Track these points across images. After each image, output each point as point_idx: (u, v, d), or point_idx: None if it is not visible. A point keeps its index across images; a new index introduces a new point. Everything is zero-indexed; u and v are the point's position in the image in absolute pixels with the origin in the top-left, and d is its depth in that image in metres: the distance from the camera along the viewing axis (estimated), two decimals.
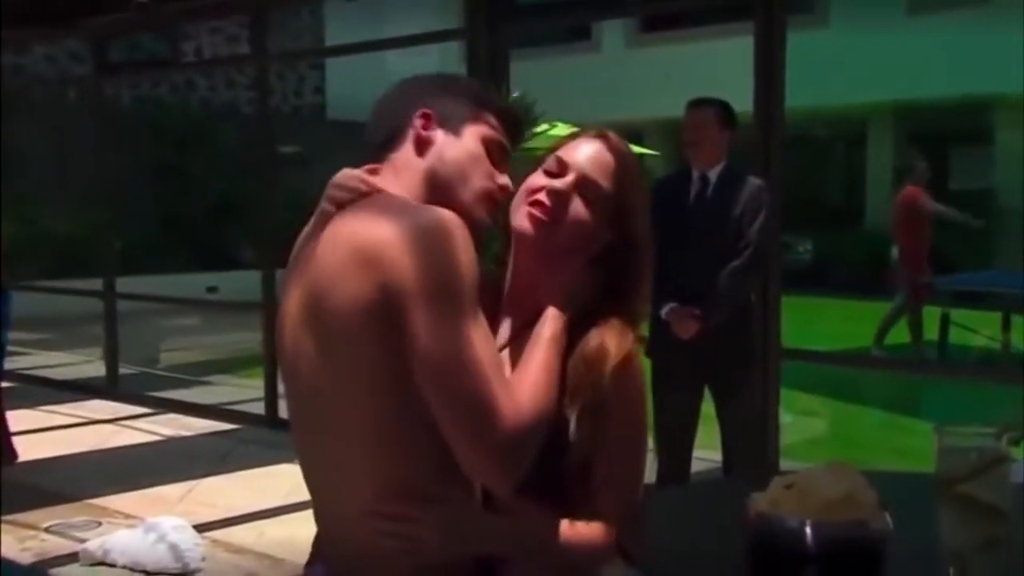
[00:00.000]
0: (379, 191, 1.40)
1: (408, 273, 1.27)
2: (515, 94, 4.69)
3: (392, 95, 1.53)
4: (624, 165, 1.49)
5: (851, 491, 1.16)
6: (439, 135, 1.46)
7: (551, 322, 1.42)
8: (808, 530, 1.14)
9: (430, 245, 1.28)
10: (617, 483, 1.42)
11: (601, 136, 1.51)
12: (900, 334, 9.18)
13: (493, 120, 1.50)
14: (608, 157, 1.48)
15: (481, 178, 1.46)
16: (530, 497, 1.37)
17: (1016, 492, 1.26)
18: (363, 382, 1.31)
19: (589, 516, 1.41)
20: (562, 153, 1.50)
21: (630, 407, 1.43)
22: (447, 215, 1.31)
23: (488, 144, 1.48)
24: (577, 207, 1.45)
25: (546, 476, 1.37)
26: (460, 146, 1.46)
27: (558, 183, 1.46)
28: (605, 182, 1.47)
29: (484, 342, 1.30)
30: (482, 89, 1.55)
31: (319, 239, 1.39)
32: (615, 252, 1.48)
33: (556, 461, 1.39)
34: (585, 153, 1.49)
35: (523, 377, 1.35)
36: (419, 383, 1.29)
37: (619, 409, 1.41)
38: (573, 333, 1.44)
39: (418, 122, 1.46)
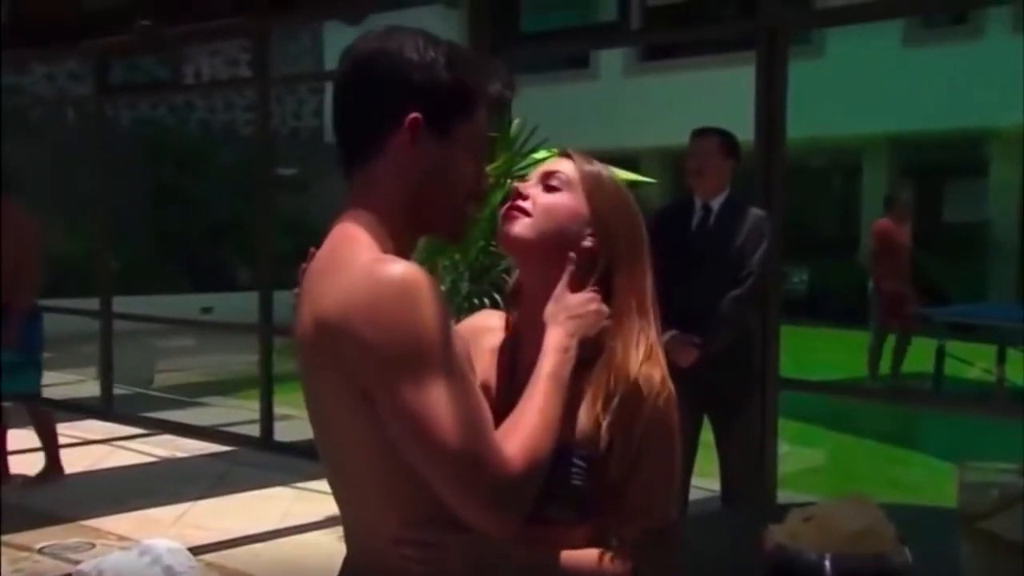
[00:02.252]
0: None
1: (369, 347, 1.24)
2: (515, 121, 4.72)
3: (377, 76, 1.37)
4: (587, 164, 1.50)
5: (870, 525, 1.15)
6: (426, 143, 1.36)
7: (552, 355, 1.39)
8: (827, 563, 1.13)
9: (386, 313, 1.24)
10: (646, 512, 1.40)
11: (561, 152, 1.54)
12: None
13: (481, 110, 1.40)
14: (566, 158, 1.51)
15: (465, 187, 1.41)
16: (556, 525, 1.36)
17: None
18: (361, 431, 1.30)
19: (616, 544, 1.39)
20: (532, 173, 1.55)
21: (664, 434, 1.41)
22: (402, 273, 1.26)
23: (476, 142, 1.41)
24: (545, 195, 1.48)
25: (575, 505, 1.37)
26: (447, 156, 1.38)
27: (520, 186, 1.51)
28: (569, 169, 1.49)
29: (458, 396, 1.25)
30: (475, 69, 1.41)
31: (305, 278, 1.38)
32: (613, 267, 1.47)
33: (585, 490, 1.38)
34: (545, 163, 1.53)
35: (517, 422, 1.31)
36: (399, 447, 1.27)
37: (653, 436, 1.40)
38: (590, 356, 1.42)
39: (407, 133, 1.35)
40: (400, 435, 1.26)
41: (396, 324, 1.24)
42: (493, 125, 1.49)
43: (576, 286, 1.45)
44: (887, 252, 9.38)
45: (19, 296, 5.59)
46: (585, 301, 1.44)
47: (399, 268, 1.27)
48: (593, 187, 1.48)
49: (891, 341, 9.39)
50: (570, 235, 1.46)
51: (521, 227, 1.47)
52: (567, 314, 1.42)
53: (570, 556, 1.38)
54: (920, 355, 9.17)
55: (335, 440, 1.37)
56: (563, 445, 1.35)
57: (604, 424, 1.38)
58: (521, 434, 1.30)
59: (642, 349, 1.43)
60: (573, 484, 1.36)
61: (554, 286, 1.45)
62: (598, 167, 1.51)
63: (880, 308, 9.42)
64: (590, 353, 1.43)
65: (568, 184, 1.48)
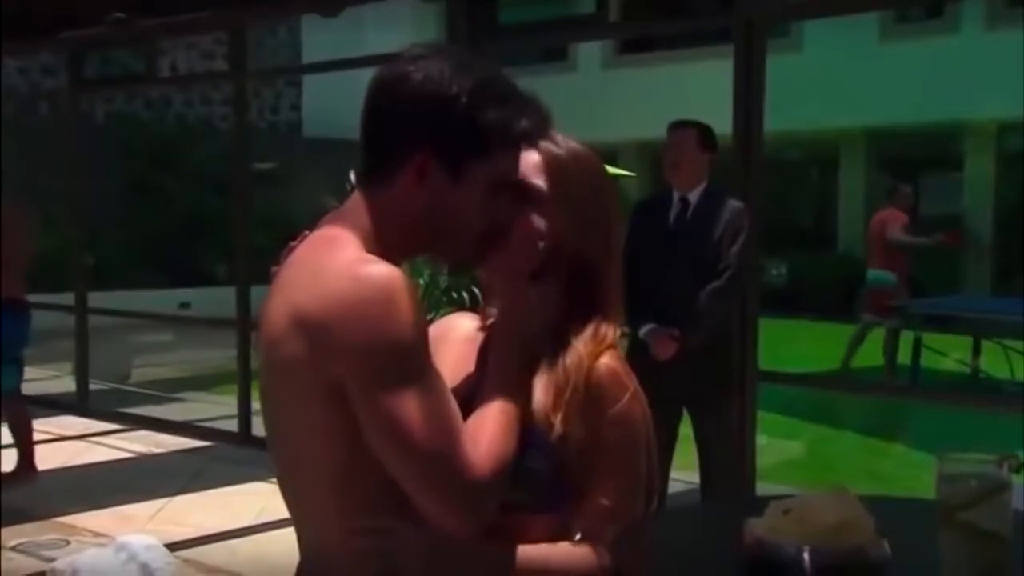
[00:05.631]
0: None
1: (348, 347, 1.24)
2: None
3: (398, 105, 1.34)
4: (562, 161, 1.44)
5: (849, 518, 1.15)
6: (436, 181, 1.33)
7: (504, 351, 1.40)
8: (806, 556, 1.13)
9: (368, 315, 1.24)
10: (612, 502, 1.38)
11: (536, 143, 1.45)
12: (874, 356, 9.25)
13: (508, 146, 1.37)
14: (539, 159, 1.43)
15: (477, 225, 1.37)
16: (519, 512, 1.35)
17: (1017, 519, 1.26)
18: (324, 423, 1.29)
19: (583, 537, 1.38)
20: None
21: (625, 429, 1.39)
22: (386, 275, 1.26)
23: (494, 181, 1.37)
24: (522, 219, 1.42)
25: (536, 488, 1.36)
26: (458, 195, 1.34)
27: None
28: (538, 179, 1.43)
29: (434, 402, 1.26)
30: (501, 105, 1.35)
31: (280, 273, 1.37)
32: (578, 259, 1.44)
33: (544, 472, 1.37)
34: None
35: (481, 425, 1.32)
36: (372, 448, 1.27)
37: (612, 430, 1.38)
38: (549, 349, 1.42)
39: (414, 172, 1.33)
40: (375, 437, 1.26)
41: (378, 327, 1.24)
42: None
43: (528, 279, 1.42)
44: (886, 243, 9.38)
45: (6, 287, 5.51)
46: (536, 295, 1.42)
47: (382, 270, 1.26)
48: (561, 194, 1.42)
49: (877, 333, 9.43)
50: (548, 251, 1.43)
51: (504, 262, 1.43)
52: (519, 306, 1.42)
53: (539, 547, 1.36)
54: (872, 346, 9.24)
55: (293, 432, 1.35)
56: (521, 429, 1.35)
57: (558, 416, 1.37)
58: (487, 438, 1.30)
59: (598, 343, 1.41)
60: (531, 467, 1.35)
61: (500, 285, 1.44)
62: (568, 161, 1.44)
63: (871, 300, 9.46)
64: (546, 342, 1.42)
65: (542, 200, 1.42)
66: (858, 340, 9.36)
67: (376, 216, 1.35)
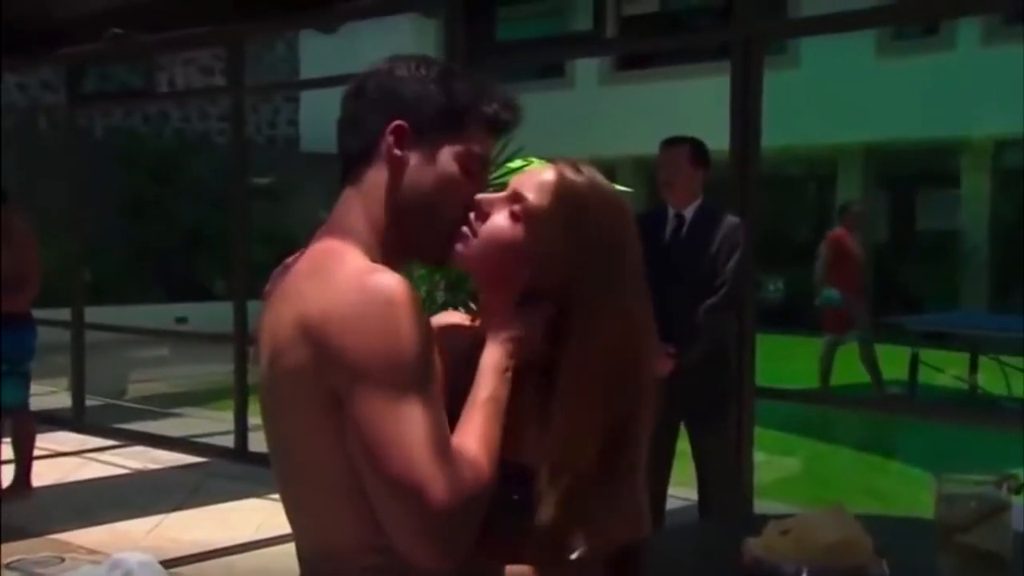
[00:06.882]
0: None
1: (348, 355, 1.23)
2: None
3: (367, 93, 1.40)
4: (572, 187, 1.38)
5: (848, 537, 1.14)
6: (412, 157, 1.36)
7: (489, 376, 1.35)
8: None
9: (371, 324, 1.23)
10: (608, 534, 1.35)
11: (551, 163, 1.43)
12: (863, 372, 9.25)
13: (479, 128, 1.39)
14: (551, 178, 1.39)
15: (453, 209, 1.38)
16: (509, 537, 1.33)
17: (1017, 540, 1.25)
18: (330, 437, 1.28)
19: (581, 560, 1.35)
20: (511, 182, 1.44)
21: (614, 469, 1.35)
22: (392, 285, 1.25)
23: (467, 162, 1.38)
24: (497, 221, 1.39)
25: (519, 518, 1.33)
26: (433, 172, 1.37)
27: (484, 200, 1.41)
28: (540, 198, 1.38)
29: (426, 420, 1.23)
30: (469, 88, 1.40)
31: (283, 285, 1.37)
32: (578, 288, 1.38)
33: (525, 504, 1.34)
34: (525, 176, 1.43)
35: (461, 448, 1.27)
36: (355, 461, 1.25)
37: (601, 470, 1.34)
38: (535, 381, 1.37)
39: (390, 139, 1.36)
40: (355, 448, 1.25)
41: (378, 337, 1.23)
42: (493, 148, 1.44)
43: (523, 301, 1.40)
44: (843, 261, 9.46)
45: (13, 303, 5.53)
46: (530, 320, 1.39)
47: (389, 280, 1.26)
48: (564, 223, 1.37)
49: (853, 349, 9.43)
50: (508, 269, 1.39)
51: (463, 248, 1.40)
52: (508, 332, 1.38)
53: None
54: (889, 363, 9.22)
55: (299, 441, 1.33)
56: (502, 460, 1.32)
57: (549, 469, 1.32)
58: (466, 463, 1.26)
59: (592, 386, 1.35)
60: (512, 498, 1.33)
61: (492, 307, 1.42)
62: (584, 188, 1.39)
63: (828, 317, 9.51)
64: (540, 362, 1.38)
65: (529, 217, 1.38)
66: (828, 358, 9.36)
67: (366, 203, 1.37)
